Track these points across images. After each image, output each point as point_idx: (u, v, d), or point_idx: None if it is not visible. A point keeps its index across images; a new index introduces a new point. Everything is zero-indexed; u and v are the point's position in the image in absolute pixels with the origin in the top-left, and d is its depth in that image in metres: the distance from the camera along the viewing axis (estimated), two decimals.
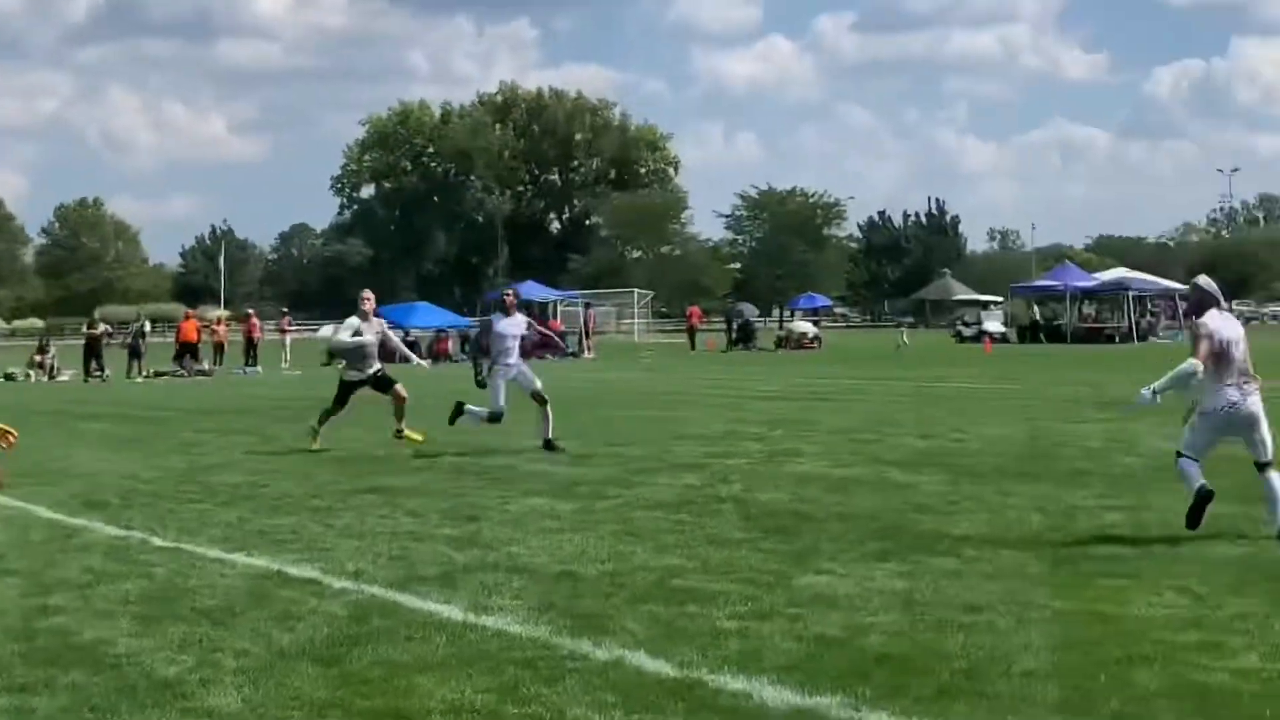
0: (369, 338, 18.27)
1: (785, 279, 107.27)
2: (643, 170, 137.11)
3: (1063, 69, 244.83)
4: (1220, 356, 10.65)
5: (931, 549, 10.16)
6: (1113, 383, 30.37)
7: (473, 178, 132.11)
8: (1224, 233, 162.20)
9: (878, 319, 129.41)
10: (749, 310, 67.93)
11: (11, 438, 8.60)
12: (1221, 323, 10.86)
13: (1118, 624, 7.86)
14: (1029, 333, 67.63)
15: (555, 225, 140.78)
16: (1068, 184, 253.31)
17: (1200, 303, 11.06)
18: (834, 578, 9.23)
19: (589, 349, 54.95)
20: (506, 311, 18.02)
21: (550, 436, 17.14)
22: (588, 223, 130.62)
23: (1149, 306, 72.26)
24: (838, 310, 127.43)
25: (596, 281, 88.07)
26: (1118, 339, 63.68)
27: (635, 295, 72.04)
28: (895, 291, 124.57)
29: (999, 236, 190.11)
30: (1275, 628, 7.68)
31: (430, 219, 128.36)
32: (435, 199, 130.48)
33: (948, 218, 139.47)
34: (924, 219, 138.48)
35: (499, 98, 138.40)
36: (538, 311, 57.97)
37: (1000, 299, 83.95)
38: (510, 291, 18.90)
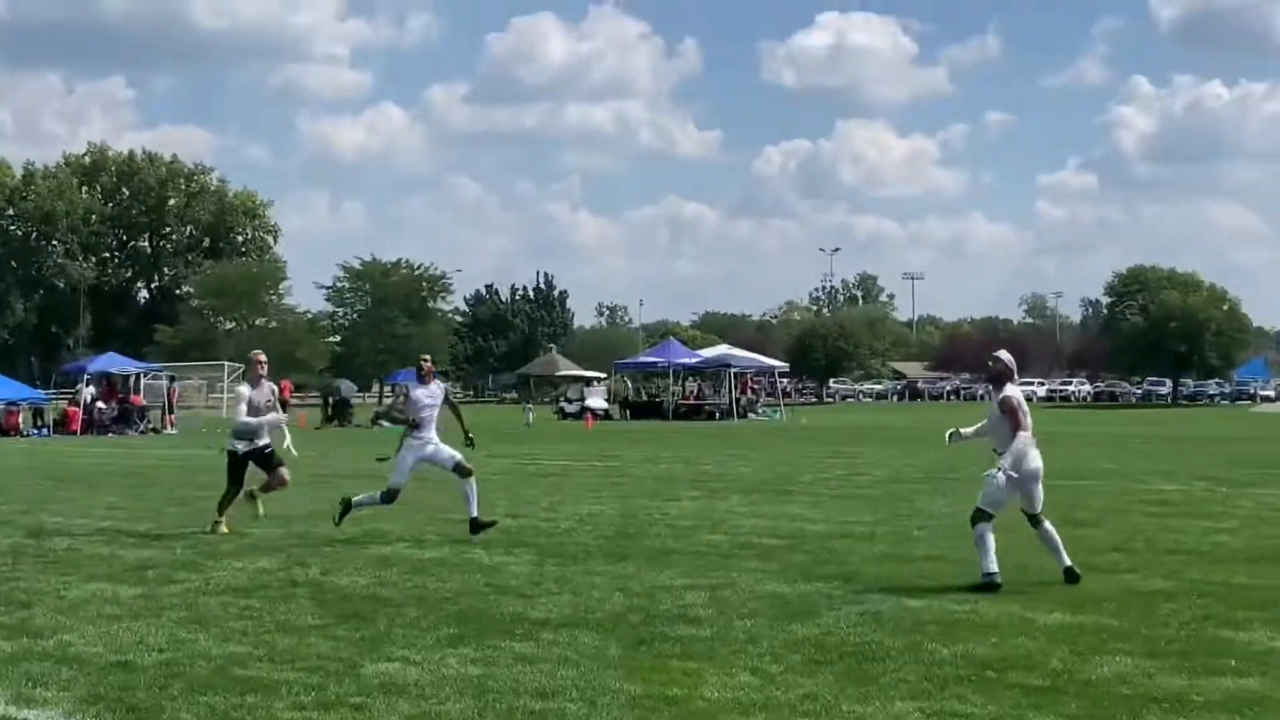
0: (262, 405, 17.04)
1: (387, 353, 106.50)
2: (240, 238, 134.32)
3: (677, 145, 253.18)
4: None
5: (510, 633, 10.15)
6: (708, 460, 31.16)
7: (55, 242, 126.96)
8: (825, 311, 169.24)
9: (481, 394, 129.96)
10: (346, 386, 67.13)
11: None
12: (1020, 393, 12.62)
13: (687, 707, 7.98)
14: (631, 409, 68.95)
15: (143, 294, 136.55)
16: (677, 261, 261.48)
17: (1000, 375, 12.70)
18: (405, 665, 9.10)
19: (171, 424, 53.34)
20: (424, 379, 16.61)
21: (476, 514, 16.03)
22: (178, 292, 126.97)
23: (749, 383, 74.68)
24: None
25: (185, 354, 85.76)
26: (718, 415, 65.54)
27: (225, 368, 70.20)
28: (500, 366, 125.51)
29: (608, 312, 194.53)
30: (842, 708, 7.93)
31: (6, 285, 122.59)
32: (13, 264, 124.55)
33: (556, 292, 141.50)
34: (532, 293, 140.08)
35: (87, 159, 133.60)
36: (117, 385, 55.96)
37: (604, 375, 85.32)
38: (427, 358, 17.30)
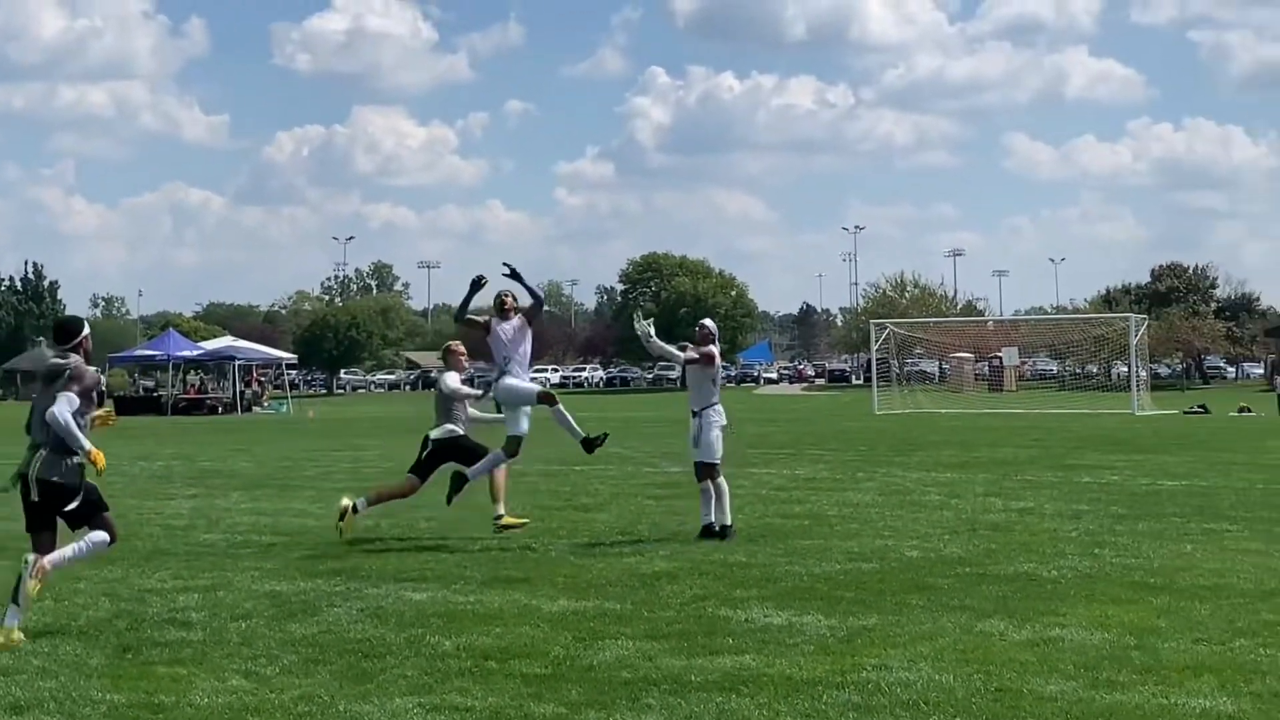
0: None
1: None
2: None
3: (182, 130, 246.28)
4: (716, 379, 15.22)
5: None
6: (209, 456, 30.48)
7: None
8: (337, 300, 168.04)
9: None
10: None
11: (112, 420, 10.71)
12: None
13: (173, 714, 7.76)
14: (125, 404, 66.76)
15: None
16: (181, 250, 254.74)
17: (707, 339, 15.10)
18: None
19: None
20: (505, 315, 15.06)
21: (587, 435, 15.12)
22: None
23: (255, 376, 73.50)
24: None
25: None
26: (221, 410, 64.24)
27: None
28: None
29: (104, 303, 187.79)
30: (339, 707, 7.86)
31: None
32: None
33: (46, 283, 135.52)
34: (19, 284, 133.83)
35: None
36: None
37: (98, 369, 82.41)
38: (509, 293, 15.33)
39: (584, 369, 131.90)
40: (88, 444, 10.11)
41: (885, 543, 14.24)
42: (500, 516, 15.28)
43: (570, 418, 15.03)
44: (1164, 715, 7.48)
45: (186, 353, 71.09)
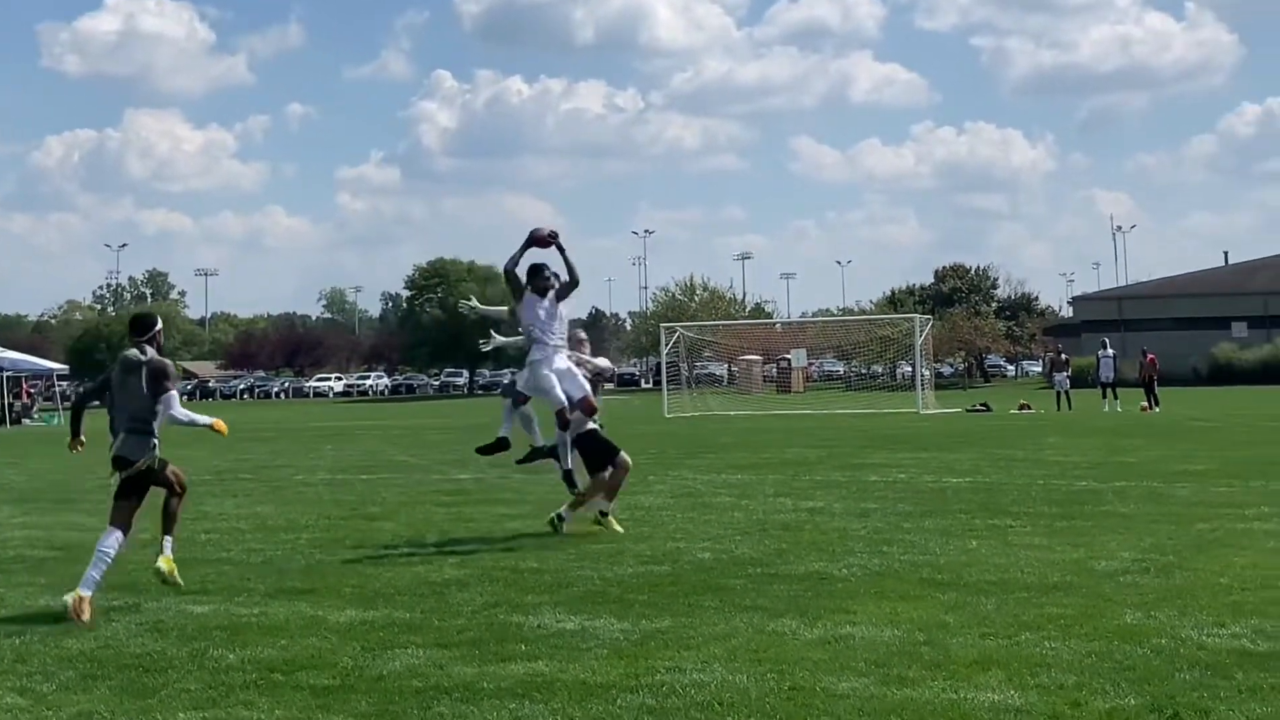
0: None
1: None
2: None
3: None
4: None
5: None
6: None
7: None
8: (110, 310, 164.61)
9: None
10: None
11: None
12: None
13: None
14: None
15: None
16: None
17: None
18: None
19: None
20: (543, 293, 14.99)
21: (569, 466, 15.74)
22: None
23: (25, 388, 71.57)
24: None
25: None
26: None
27: None
28: None
29: None
30: None
31: None
32: None
33: None
34: None
35: None
36: None
37: None
38: (555, 275, 15.01)
39: (369, 377, 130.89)
40: (206, 419, 12.14)
41: (677, 545, 14.32)
42: (606, 513, 15.70)
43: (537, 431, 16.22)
44: (954, 710, 7.62)
45: None
